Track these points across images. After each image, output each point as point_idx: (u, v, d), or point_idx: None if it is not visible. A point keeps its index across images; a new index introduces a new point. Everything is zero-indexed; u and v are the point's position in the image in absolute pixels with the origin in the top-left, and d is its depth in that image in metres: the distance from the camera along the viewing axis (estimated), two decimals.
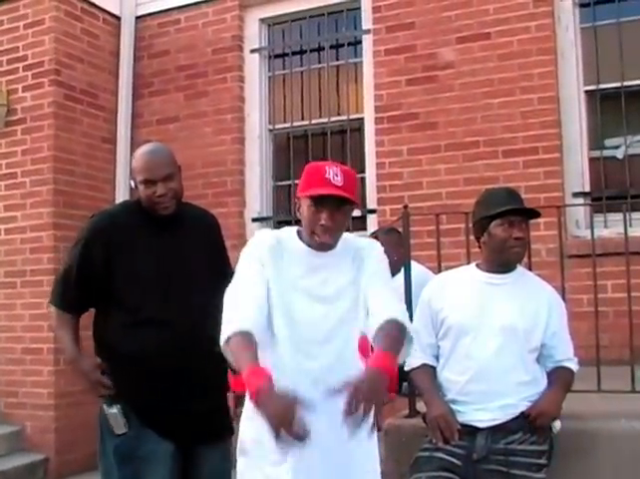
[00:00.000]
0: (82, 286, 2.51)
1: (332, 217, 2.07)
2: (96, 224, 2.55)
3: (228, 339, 1.93)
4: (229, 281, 2.12)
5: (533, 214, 2.72)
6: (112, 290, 2.48)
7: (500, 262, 2.73)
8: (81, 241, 2.53)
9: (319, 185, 2.06)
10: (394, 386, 1.81)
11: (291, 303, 2.11)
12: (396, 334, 2.01)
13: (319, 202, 2.07)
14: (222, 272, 2.52)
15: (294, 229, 2.21)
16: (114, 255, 2.47)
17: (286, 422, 1.73)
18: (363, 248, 2.21)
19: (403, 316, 2.07)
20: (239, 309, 1.99)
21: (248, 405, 2.10)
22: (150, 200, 2.50)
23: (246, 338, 1.91)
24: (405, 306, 2.21)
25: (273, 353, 2.07)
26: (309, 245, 2.15)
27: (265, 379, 1.81)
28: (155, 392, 2.43)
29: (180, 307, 2.43)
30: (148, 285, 2.47)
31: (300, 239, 2.17)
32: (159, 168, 2.48)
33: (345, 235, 2.21)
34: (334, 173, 2.07)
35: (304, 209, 2.12)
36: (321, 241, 2.10)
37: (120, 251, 2.48)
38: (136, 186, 2.55)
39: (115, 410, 2.44)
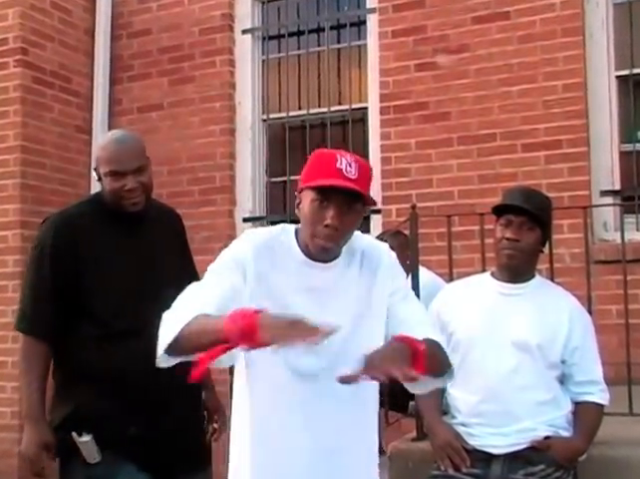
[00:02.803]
0: (57, 302, 2.47)
1: (340, 216, 1.86)
2: (58, 227, 2.52)
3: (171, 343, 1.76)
4: None
5: (532, 215, 2.66)
6: (81, 302, 2.46)
7: (499, 267, 2.76)
8: (46, 250, 2.50)
9: (328, 175, 1.85)
10: (422, 363, 1.73)
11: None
12: (439, 353, 1.94)
13: (326, 195, 1.86)
14: (193, 275, 2.50)
15: (292, 228, 2.02)
16: (82, 262, 2.46)
17: (301, 329, 1.55)
18: (372, 255, 2.02)
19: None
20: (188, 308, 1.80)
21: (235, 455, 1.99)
22: (117, 194, 2.48)
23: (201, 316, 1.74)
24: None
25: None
26: (307, 254, 1.95)
27: (254, 312, 1.61)
28: (127, 417, 2.42)
29: (156, 315, 2.39)
30: (121, 293, 2.46)
31: (298, 243, 1.98)
32: (129, 159, 2.47)
33: None
34: (347, 163, 1.86)
35: (306, 204, 1.91)
36: (322, 246, 1.90)
37: (88, 257, 2.47)
38: (99, 178, 2.53)
39: (87, 438, 2.44)
